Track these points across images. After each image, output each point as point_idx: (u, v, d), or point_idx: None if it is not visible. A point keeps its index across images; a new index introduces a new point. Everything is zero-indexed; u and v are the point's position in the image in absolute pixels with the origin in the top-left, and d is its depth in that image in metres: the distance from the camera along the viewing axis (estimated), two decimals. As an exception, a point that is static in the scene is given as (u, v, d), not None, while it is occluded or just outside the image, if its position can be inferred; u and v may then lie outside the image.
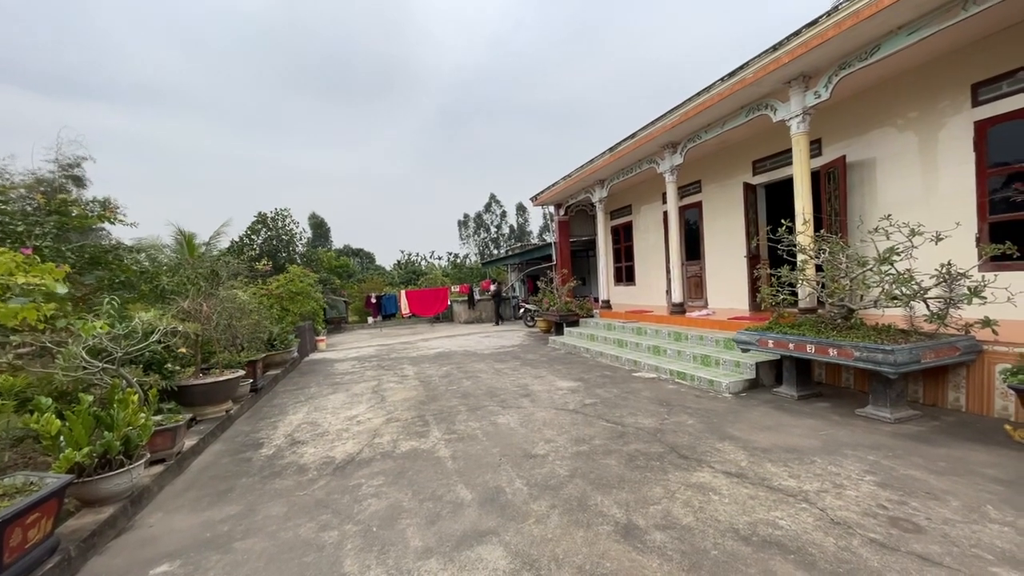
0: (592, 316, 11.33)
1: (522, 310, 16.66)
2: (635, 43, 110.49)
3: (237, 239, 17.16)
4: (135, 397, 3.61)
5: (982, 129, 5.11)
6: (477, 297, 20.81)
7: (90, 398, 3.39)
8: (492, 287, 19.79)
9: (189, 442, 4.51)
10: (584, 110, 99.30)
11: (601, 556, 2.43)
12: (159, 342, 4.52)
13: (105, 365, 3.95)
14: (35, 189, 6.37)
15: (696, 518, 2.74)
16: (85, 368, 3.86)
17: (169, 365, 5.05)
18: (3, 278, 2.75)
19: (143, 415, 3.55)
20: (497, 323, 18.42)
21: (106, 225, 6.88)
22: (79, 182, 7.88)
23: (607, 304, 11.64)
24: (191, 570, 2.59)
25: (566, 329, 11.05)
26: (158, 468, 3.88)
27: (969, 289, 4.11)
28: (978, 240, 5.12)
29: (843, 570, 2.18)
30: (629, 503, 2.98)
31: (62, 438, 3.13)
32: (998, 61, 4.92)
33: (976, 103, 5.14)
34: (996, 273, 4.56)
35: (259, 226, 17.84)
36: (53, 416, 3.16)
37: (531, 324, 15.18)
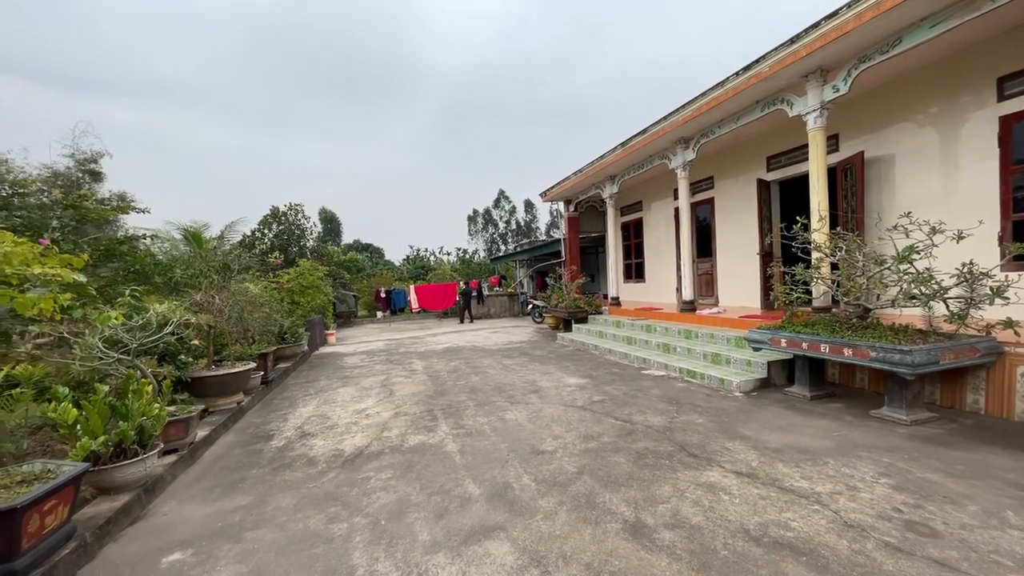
0: (601, 313, 11.28)
1: (530, 306, 16.64)
2: (643, 40, 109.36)
3: (249, 233, 17.35)
4: (149, 388, 3.66)
5: (1007, 124, 4.96)
6: (486, 293, 20.82)
7: (106, 388, 3.44)
8: (462, 284, 19.31)
9: (201, 433, 4.58)
10: (593, 106, 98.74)
11: (609, 554, 2.42)
12: (173, 334, 4.58)
13: (120, 356, 4.02)
14: (52, 183, 6.48)
15: (706, 518, 2.71)
16: (101, 359, 3.93)
17: (182, 356, 5.12)
18: (20, 268, 2.80)
19: (157, 405, 3.60)
20: (465, 321, 17.64)
21: (120, 216, 6.98)
22: (96, 176, 8.00)
23: (616, 301, 11.57)
24: (203, 558, 2.63)
25: (575, 326, 11.02)
26: (171, 458, 3.94)
27: (991, 289, 4.00)
28: (1001, 239, 4.98)
29: (856, 574, 2.14)
30: (638, 501, 2.96)
31: (79, 427, 3.18)
32: (1026, 54, 4.76)
33: (1002, 97, 4.99)
34: (1020, 273, 4.45)
35: (271, 220, 18.00)
36: (70, 405, 3.21)
37: (539, 320, 15.15)
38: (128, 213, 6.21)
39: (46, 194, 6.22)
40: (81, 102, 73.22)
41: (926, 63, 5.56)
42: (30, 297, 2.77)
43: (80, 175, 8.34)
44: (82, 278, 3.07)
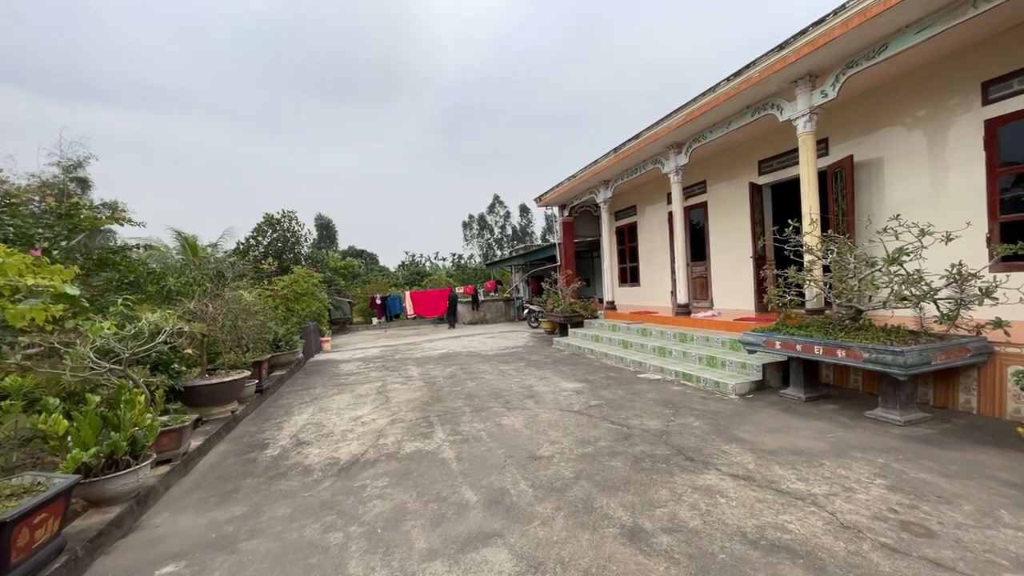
0: (597, 317, 11.30)
1: (526, 311, 16.65)
2: (643, 43, 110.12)
3: (243, 240, 17.26)
4: (142, 398, 3.62)
5: (992, 128, 5.05)
6: (481, 298, 20.81)
7: (97, 398, 3.41)
8: (451, 292, 20.04)
9: (195, 442, 4.53)
10: (591, 110, 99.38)
11: (607, 559, 2.41)
12: (165, 343, 4.55)
13: (112, 366, 3.97)
14: (43, 193, 6.43)
15: (703, 521, 2.71)
16: (92, 369, 3.89)
17: (175, 366, 5.07)
18: (12, 280, 2.77)
19: (149, 415, 3.56)
20: (451, 326, 18.59)
21: (113, 226, 6.93)
22: (84, 184, 7.95)
23: (612, 305, 11.60)
24: (197, 571, 2.59)
25: (570, 330, 11.03)
26: (164, 468, 3.89)
27: (980, 290, 4.05)
28: (988, 240, 5.06)
29: (853, 575, 2.15)
30: (635, 505, 2.95)
31: (69, 438, 3.14)
32: (1009, 59, 4.85)
33: (986, 101, 5.08)
34: (1008, 273, 4.51)
35: (266, 227, 17.93)
36: (61, 416, 3.18)
37: (535, 325, 15.15)
38: (122, 224, 6.17)
39: (35, 203, 6.17)
40: (76, 108, 72.77)
41: (913, 68, 5.66)
42: (22, 308, 2.75)
43: (69, 182, 8.29)
44: (75, 291, 3.04)
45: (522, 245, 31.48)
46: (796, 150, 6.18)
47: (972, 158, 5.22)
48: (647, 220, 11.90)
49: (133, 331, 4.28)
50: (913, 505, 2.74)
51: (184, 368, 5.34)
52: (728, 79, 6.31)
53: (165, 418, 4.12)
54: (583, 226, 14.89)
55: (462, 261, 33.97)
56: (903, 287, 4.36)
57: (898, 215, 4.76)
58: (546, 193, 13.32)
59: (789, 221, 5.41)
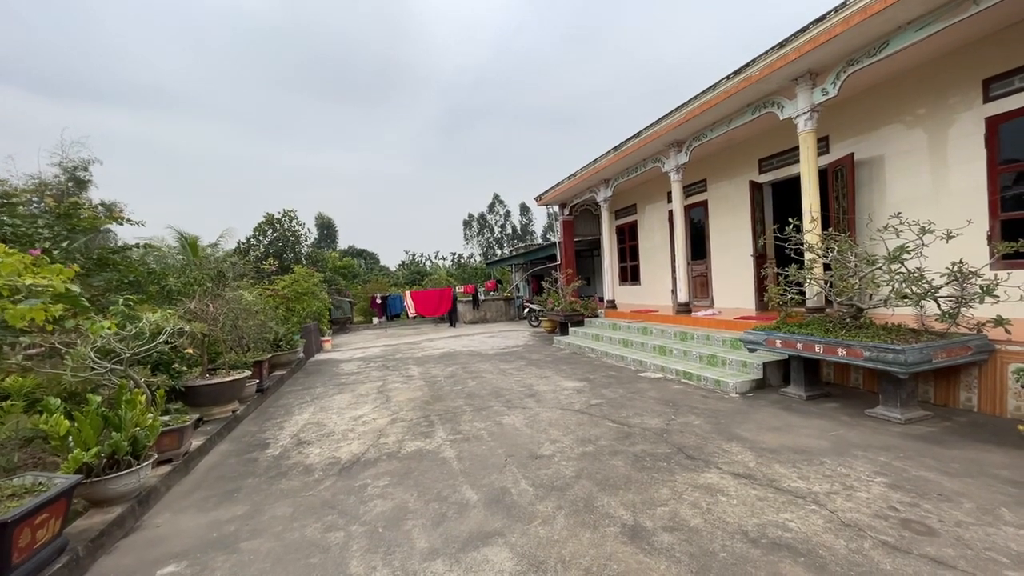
0: (597, 316, 11.30)
1: (527, 310, 16.65)
2: (640, 44, 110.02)
3: (244, 240, 17.28)
4: (143, 398, 3.63)
5: (993, 125, 5.03)
6: (482, 298, 20.81)
7: (98, 399, 3.41)
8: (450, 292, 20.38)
9: (196, 442, 4.54)
10: (591, 110, 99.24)
11: (608, 558, 2.41)
12: (166, 343, 4.55)
13: (113, 366, 3.98)
14: (42, 193, 6.43)
15: (704, 520, 2.72)
16: (93, 369, 3.89)
17: (176, 366, 5.07)
18: (11, 279, 2.77)
19: (150, 415, 3.57)
20: (452, 325, 19.06)
21: (112, 225, 6.93)
22: (83, 185, 7.95)
23: (612, 304, 11.59)
24: (198, 570, 2.59)
25: (571, 329, 11.03)
26: (165, 468, 3.90)
27: (981, 288, 4.05)
28: (989, 238, 5.05)
29: (855, 573, 2.15)
30: (636, 504, 2.95)
31: (70, 439, 3.15)
32: (1010, 56, 4.84)
33: (987, 99, 5.07)
34: (1009, 271, 4.50)
35: (266, 227, 17.94)
36: (62, 417, 3.18)
37: (536, 324, 15.15)
38: (121, 223, 6.16)
39: (35, 203, 6.17)
40: (76, 108, 72.79)
41: (914, 66, 5.64)
42: (21, 309, 2.75)
43: (69, 184, 8.28)
44: (75, 288, 3.05)
45: (522, 244, 31.47)
46: (797, 148, 6.17)
47: (973, 156, 5.21)
48: (647, 219, 11.89)
49: (134, 331, 4.28)
50: (914, 503, 2.74)
51: (185, 368, 5.35)
52: (728, 77, 6.30)
53: (166, 418, 4.12)
54: (583, 225, 14.88)
55: (462, 260, 33.94)
56: (904, 285, 4.35)
57: (899, 213, 4.75)
58: (546, 192, 13.31)
59: (790, 219, 5.40)
